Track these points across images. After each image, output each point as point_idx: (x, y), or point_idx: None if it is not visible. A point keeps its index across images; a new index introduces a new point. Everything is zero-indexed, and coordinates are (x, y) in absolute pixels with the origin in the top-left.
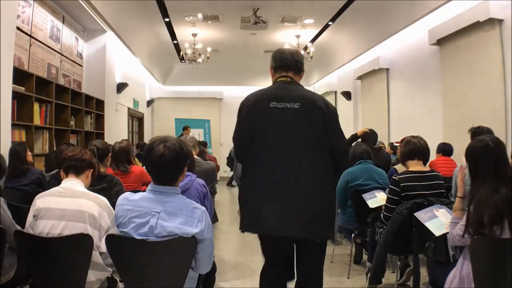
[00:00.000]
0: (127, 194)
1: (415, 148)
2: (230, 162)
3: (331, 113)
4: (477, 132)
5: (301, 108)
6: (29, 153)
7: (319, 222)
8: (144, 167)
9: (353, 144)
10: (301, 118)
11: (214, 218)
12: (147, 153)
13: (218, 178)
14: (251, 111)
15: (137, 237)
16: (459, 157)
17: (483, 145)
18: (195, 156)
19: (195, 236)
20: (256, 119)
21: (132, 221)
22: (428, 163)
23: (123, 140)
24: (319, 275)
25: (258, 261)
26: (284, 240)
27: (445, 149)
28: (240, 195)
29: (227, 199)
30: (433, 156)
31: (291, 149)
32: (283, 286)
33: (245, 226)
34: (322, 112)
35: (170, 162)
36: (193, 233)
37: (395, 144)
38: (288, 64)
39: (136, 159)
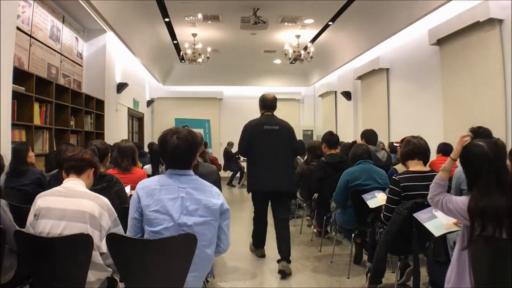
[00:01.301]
0: (148, 178)
1: (415, 148)
2: (227, 160)
3: (293, 131)
4: (479, 133)
5: (279, 129)
6: (31, 154)
7: (287, 184)
8: (143, 167)
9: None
10: (279, 134)
11: None
12: (161, 145)
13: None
14: (254, 130)
15: (174, 214)
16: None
17: (482, 153)
18: None
19: (221, 207)
20: (256, 134)
21: (161, 198)
22: (428, 163)
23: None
24: (287, 219)
25: (258, 262)
26: (268, 194)
27: (445, 149)
28: (248, 174)
29: (227, 199)
30: (433, 156)
31: (275, 150)
32: (265, 223)
33: (253, 188)
34: (289, 131)
35: (184, 152)
36: (219, 203)
37: (394, 144)
38: (270, 106)
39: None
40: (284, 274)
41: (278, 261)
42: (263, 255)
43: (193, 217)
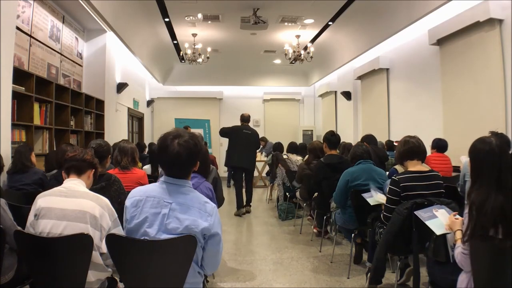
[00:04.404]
0: (139, 187)
1: (414, 147)
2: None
3: (257, 135)
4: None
5: (251, 133)
6: (33, 155)
7: (253, 164)
8: (143, 167)
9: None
10: (250, 136)
11: None
12: (160, 149)
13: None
14: (238, 132)
15: (148, 230)
16: (457, 157)
17: (486, 151)
18: None
19: (204, 231)
20: (238, 134)
21: (144, 210)
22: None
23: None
24: (252, 182)
25: (257, 262)
26: (241, 168)
27: (440, 145)
28: (227, 157)
29: (226, 200)
30: (427, 152)
31: (246, 144)
32: (241, 187)
33: (232, 164)
34: (255, 135)
35: (185, 161)
36: (203, 226)
37: (394, 143)
38: (246, 120)
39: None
40: (248, 212)
41: (244, 206)
42: (244, 212)
43: (171, 235)
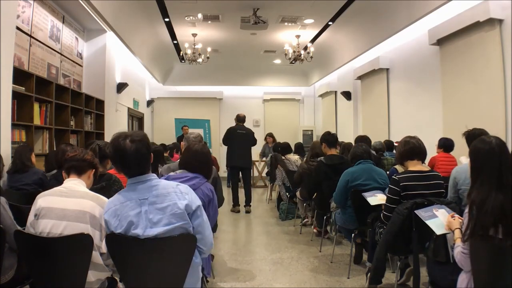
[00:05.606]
0: (110, 199)
1: (415, 148)
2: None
3: (253, 134)
4: (471, 134)
5: (246, 133)
6: (33, 155)
7: (249, 163)
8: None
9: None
10: (245, 136)
11: (215, 227)
12: (118, 152)
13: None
14: (233, 132)
15: (135, 231)
16: (457, 157)
17: (488, 149)
18: None
19: (187, 209)
20: (234, 134)
21: (125, 216)
22: (429, 159)
23: None
24: (250, 182)
25: (257, 262)
26: (239, 168)
27: (447, 145)
28: (227, 157)
29: (226, 200)
30: (434, 152)
31: (242, 144)
32: (237, 186)
33: (230, 164)
34: (251, 134)
35: (145, 155)
36: (184, 205)
37: (395, 143)
38: (241, 120)
39: None
40: (248, 212)
41: (244, 206)
42: (238, 211)
43: (158, 227)
